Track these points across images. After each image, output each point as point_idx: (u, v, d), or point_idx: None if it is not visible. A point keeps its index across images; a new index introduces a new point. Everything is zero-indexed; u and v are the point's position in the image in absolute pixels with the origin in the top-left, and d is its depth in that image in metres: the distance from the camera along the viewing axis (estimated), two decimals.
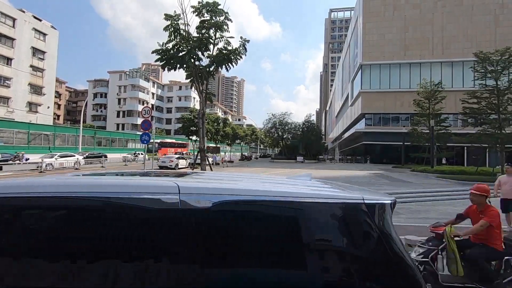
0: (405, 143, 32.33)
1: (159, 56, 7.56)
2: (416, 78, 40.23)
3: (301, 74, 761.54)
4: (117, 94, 61.32)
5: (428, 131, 24.85)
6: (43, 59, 43.29)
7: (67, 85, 73.54)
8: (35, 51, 42.11)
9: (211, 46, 7.57)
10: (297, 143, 46.89)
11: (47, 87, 44.16)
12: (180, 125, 71.01)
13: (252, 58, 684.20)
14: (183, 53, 7.41)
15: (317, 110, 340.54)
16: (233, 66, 7.85)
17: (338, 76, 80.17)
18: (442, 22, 40.14)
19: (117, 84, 61.74)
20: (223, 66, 7.81)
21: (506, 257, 3.20)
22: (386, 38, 41.63)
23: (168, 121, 71.39)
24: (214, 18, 7.84)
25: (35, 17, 43.53)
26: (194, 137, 32.05)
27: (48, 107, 44.76)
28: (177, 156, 26.71)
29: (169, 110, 71.56)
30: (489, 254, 3.27)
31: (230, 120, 42.43)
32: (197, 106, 74.90)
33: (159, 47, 7.48)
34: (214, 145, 61.52)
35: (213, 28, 7.73)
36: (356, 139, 48.04)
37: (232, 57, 7.83)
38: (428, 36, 40.44)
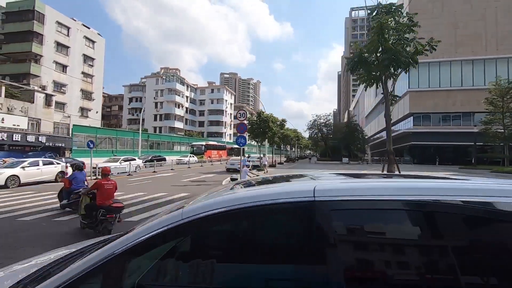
0: (456, 143, 31.27)
1: (350, 59, 7.51)
2: (469, 75, 38.99)
3: (313, 74, 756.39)
4: (154, 98, 62.68)
5: (502, 130, 23.92)
6: (92, 65, 44.91)
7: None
8: (86, 58, 43.75)
9: (407, 48, 7.46)
10: (340, 144, 46.36)
11: (96, 92, 45.77)
12: (213, 127, 71.98)
13: (263, 58, 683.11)
14: (383, 56, 7.34)
15: (335, 110, 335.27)
16: (414, 67, 7.73)
17: None
18: (496, 17, 38.65)
19: (153, 89, 63.17)
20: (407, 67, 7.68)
21: None
22: (434, 35, 40.14)
23: (201, 124, 72.35)
24: (396, 19, 7.76)
25: (84, 25, 45.23)
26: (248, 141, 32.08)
27: (97, 112, 46.33)
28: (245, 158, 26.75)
29: (201, 113, 72.54)
30: None
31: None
32: (229, 110, 75.52)
33: (355, 51, 7.45)
34: (237, 146, 61.47)
35: (393, 30, 7.62)
36: (401, 139, 46.88)
37: (414, 59, 7.72)
38: (481, 32, 39.01)
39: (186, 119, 67.66)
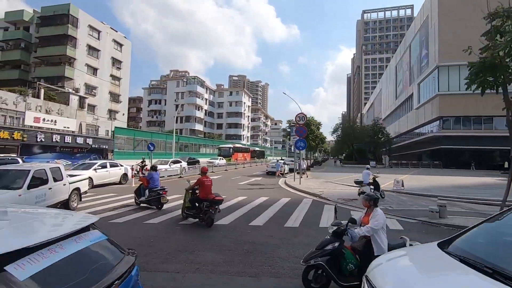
0: (490, 147, 30.76)
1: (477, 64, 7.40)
2: None
3: (319, 76, 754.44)
4: (175, 100, 63.21)
5: None
6: (120, 68, 45.52)
7: None
8: (114, 61, 44.37)
9: None
10: (365, 147, 45.96)
11: (123, 95, 46.34)
12: (231, 129, 72.19)
13: (270, 61, 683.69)
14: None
15: (343, 113, 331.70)
16: None
17: (388, 78, 78.11)
18: None
19: (174, 91, 63.72)
20: None
21: None
22: (464, 37, 39.86)
23: (219, 126, 72.60)
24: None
25: (112, 29, 45.91)
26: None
27: (123, 114, 46.86)
28: (283, 161, 26.61)
29: (219, 116, 72.82)
30: None
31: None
32: (247, 113, 75.66)
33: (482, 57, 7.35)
34: (259, 149, 61.64)
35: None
36: (428, 143, 46.20)
37: None
38: None
39: (205, 121, 68.01)
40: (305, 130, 16.40)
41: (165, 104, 67.26)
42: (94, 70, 40.59)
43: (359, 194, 10.99)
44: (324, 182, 18.44)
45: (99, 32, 41.11)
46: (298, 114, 16.65)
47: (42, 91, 30.92)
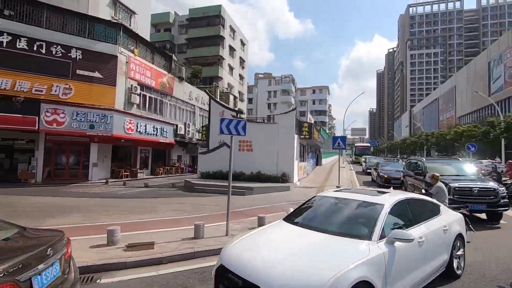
0: None
1: None
2: None
3: (333, 72, 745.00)
4: (267, 99, 63.52)
5: None
6: (244, 67, 46.02)
7: None
8: (241, 61, 44.85)
9: None
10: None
11: (245, 94, 46.86)
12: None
13: (283, 56, 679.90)
14: None
15: (371, 110, 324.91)
16: None
17: (470, 75, 75.43)
18: None
19: (266, 90, 63.99)
20: None
21: None
22: None
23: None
24: None
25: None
26: None
27: (244, 113, 47.34)
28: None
29: (302, 114, 72.62)
30: None
31: None
32: (328, 111, 74.95)
33: None
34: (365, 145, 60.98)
35: None
36: None
37: None
38: None
39: None
40: None
41: (250, 103, 67.67)
42: (231, 70, 41.18)
43: None
44: None
45: (234, 31, 41.61)
46: None
47: (218, 91, 31.61)
